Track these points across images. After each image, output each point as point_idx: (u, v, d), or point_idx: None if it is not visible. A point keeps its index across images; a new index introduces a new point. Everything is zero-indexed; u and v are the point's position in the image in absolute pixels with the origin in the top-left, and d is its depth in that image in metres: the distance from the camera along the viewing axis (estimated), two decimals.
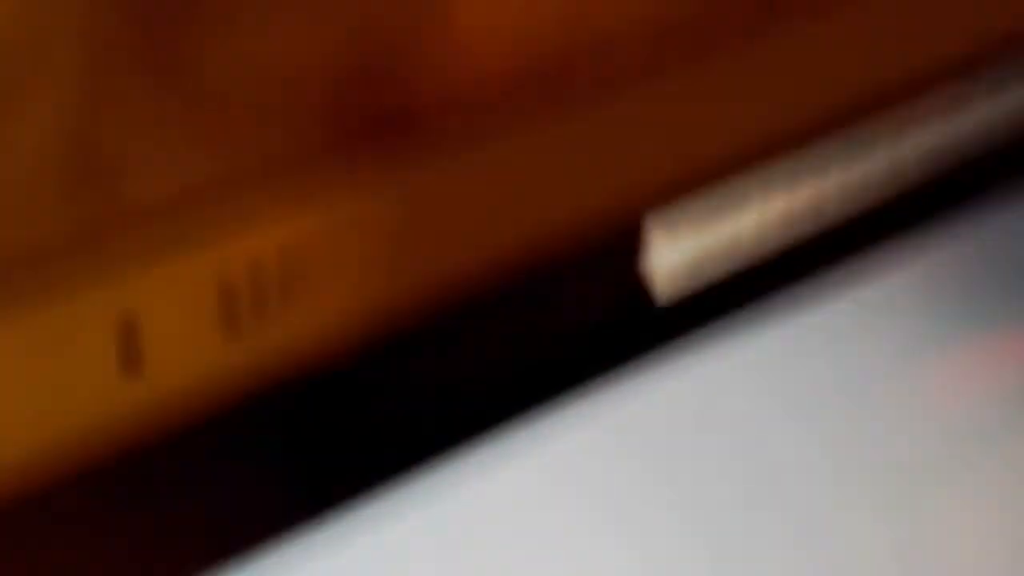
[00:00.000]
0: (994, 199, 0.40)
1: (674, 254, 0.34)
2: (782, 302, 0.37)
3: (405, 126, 0.27)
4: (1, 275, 0.20)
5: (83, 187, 0.22)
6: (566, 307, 0.31)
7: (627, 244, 0.33)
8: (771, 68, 0.32)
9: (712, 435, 0.32)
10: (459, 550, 0.27)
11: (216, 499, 0.24)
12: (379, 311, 0.26)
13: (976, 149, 0.39)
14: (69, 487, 0.22)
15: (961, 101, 0.37)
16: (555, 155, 0.28)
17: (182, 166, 0.23)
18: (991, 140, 0.39)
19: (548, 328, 0.31)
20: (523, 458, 0.29)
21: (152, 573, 0.24)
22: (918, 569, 0.30)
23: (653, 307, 0.33)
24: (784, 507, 0.31)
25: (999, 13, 0.36)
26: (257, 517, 0.25)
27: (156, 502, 0.23)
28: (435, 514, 0.27)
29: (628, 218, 0.32)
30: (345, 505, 0.26)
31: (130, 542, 0.23)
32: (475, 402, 0.29)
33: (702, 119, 0.31)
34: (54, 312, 0.21)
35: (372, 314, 0.25)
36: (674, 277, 0.34)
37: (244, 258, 0.23)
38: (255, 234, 0.23)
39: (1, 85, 0.21)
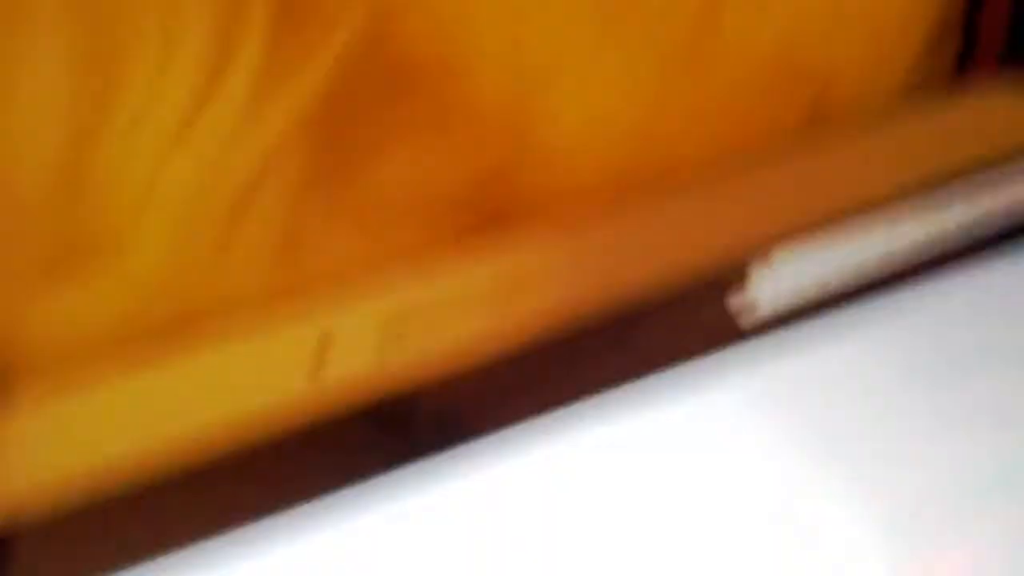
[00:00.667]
0: None
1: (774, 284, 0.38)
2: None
3: (506, 224, 0.35)
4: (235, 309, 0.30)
5: (293, 262, 0.30)
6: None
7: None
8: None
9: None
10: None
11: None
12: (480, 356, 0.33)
13: None
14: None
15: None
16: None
17: (357, 248, 0.31)
18: None
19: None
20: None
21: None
22: None
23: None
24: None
25: None
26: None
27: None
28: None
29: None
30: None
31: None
32: None
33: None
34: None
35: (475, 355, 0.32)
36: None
37: (383, 312, 0.31)
38: (392, 296, 0.31)
39: (234, 206, 0.30)
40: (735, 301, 0.38)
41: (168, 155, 0.31)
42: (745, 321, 0.38)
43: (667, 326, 0.37)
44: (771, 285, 0.39)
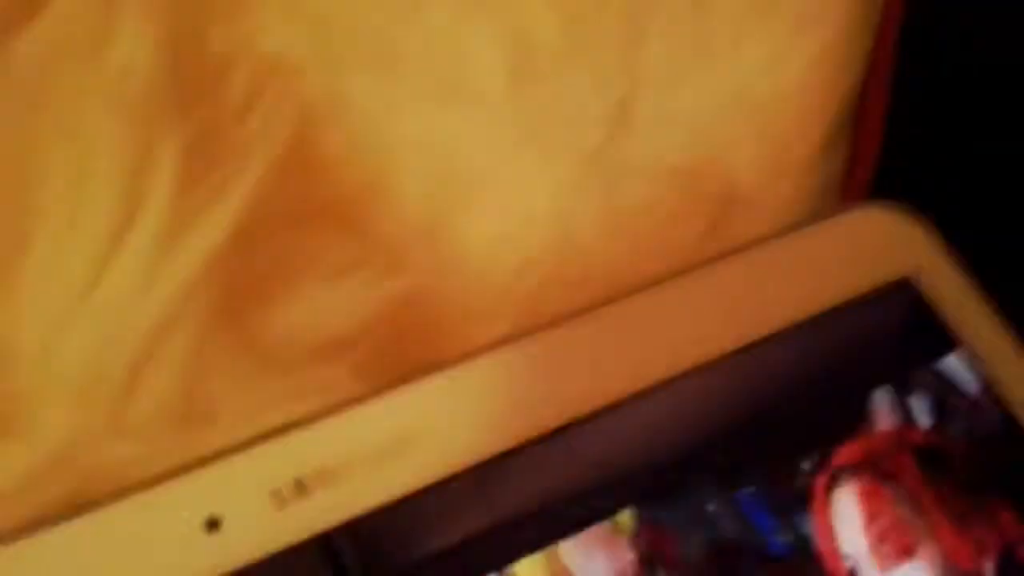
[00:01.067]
0: None
1: None
2: None
3: (418, 354, 0.35)
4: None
5: (197, 417, 0.31)
6: None
7: None
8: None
9: None
10: None
11: None
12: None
13: None
14: None
15: None
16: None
17: (253, 400, 0.32)
18: None
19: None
20: None
21: None
22: None
23: None
24: None
25: None
26: None
27: None
28: None
29: None
30: None
31: None
32: None
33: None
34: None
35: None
36: None
37: (291, 463, 0.31)
38: (299, 447, 0.32)
39: (135, 358, 0.30)
40: None
41: (71, 312, 0.31)
42: None
43: None
44: None
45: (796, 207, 0.45)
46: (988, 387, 0.38)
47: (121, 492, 0.31)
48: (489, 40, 0.41)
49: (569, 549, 0.34)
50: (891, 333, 0.39)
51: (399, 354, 0.37)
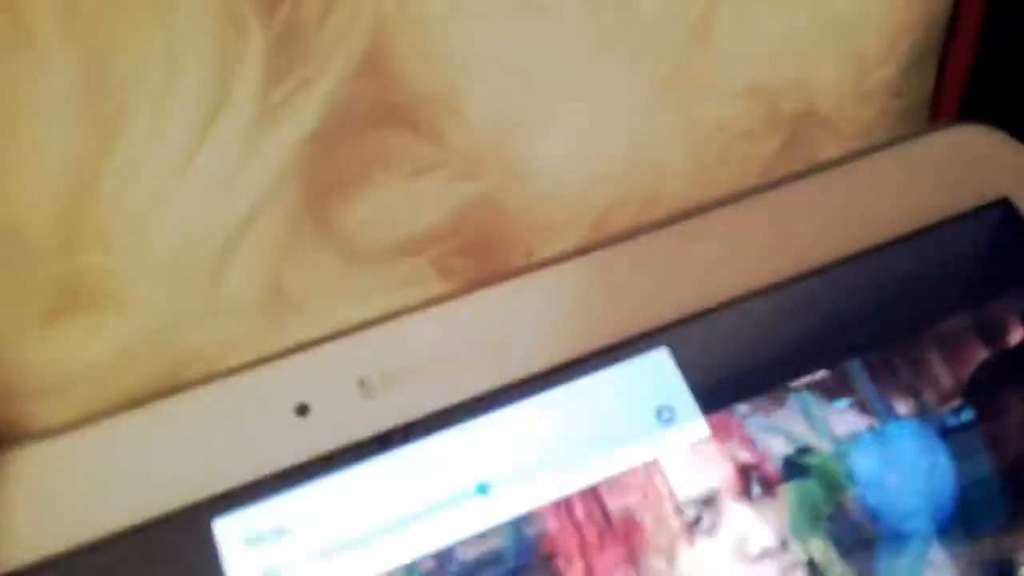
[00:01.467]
0: None
1: None
2: None
3: (489, 260, 0.36)
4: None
5: (281, 303, 0.31)
6: None
7: None
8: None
9: None
10: None
11: None
12: None
13: None
14: None
15: None
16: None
17: (335, 290, 0.32)
18: None
19: None
20: None
21: None
22: None
23: None
24: None
25: None
26: None
27: None
28: None
29: None
30: None
31: None
32: None
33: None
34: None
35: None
36: None
37: (379, 356, 0.32)
38: (388, 340, 0.32)
39: (224, 243, 0.30)
40: None
41: (165, 195, 0.31)
42: None
43: None
44: None
45: (877, 130, 0.45)
46: None
47: (215, 375, 0.31)
48: None
49: (669, 458, 0.35)
50: (988, 251, 0.38)
51: (476, 253, 0.37)
